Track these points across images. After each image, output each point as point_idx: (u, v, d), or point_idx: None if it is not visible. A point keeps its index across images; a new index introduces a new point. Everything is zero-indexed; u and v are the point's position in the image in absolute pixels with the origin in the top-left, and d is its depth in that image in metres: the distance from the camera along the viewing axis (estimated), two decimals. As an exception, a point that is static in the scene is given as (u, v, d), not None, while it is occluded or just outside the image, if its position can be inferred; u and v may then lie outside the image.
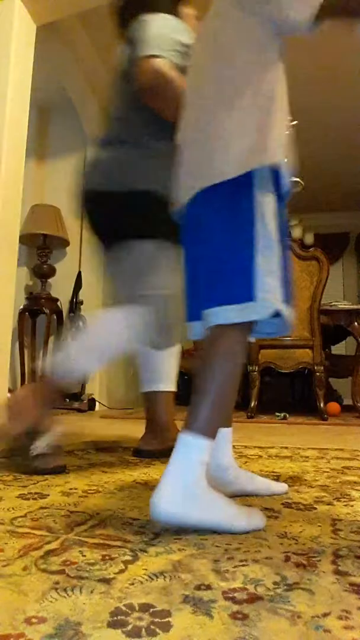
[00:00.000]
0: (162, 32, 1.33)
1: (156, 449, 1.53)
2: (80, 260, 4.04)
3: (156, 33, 1.32)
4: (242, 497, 1.02)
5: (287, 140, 0.96)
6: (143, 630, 0.47)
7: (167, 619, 0.49)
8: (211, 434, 0.84)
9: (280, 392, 4.91)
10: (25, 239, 3.72)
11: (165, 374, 1.59)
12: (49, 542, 0.71)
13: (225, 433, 1.05)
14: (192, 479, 0.80)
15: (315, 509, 0.95)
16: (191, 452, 0.82)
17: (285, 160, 0.94)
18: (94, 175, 1.42)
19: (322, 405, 3.17)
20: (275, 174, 0.94)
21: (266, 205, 0.92)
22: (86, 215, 1.50)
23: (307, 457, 1.60)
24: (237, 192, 0.92)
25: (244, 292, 0.89)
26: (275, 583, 0.59)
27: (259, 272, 0.89)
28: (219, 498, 0.83)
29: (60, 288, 3.96)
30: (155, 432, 1.58)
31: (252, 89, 0.93)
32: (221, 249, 0.94)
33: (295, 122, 1.00)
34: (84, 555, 0.66)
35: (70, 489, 1.07)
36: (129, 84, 1.37)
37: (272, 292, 0.90)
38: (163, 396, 1.60)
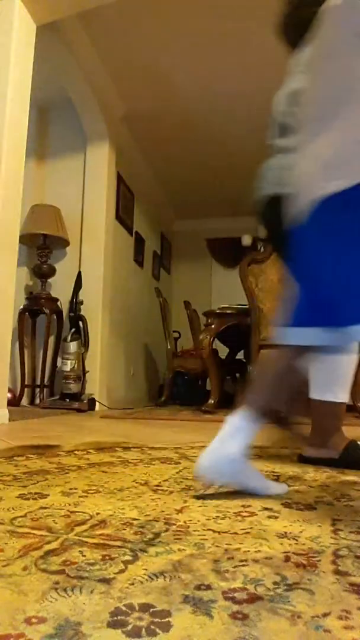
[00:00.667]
0: None
1: (321, 457, 1.49)
2: (80, 260, 4.04)
3: None
4: (240, 494, 1.01)
5: None
6: (143, 630, 0.47)
7: (167, 619, 0.49)
8: None
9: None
10: (25, 239, 3.71)
11: (336, 383, 1.57)
12: (49, 542, 0.71)
13: (253, 426, 1.04)
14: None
15: (315, 509, 0.95)
16: None
17: None
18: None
19: (322, 405, 3.15)
20: None
21: None
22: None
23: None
24: (349, 205, 0.94)
25: None
26: (275, 583, 0.59)
27: None
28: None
29: (60, 288, 3.96)
30: (322, 438, 1.54)
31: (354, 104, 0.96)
32: (349, 263, 0.95)
33: None
34: (84, 555, 0.66)
35: (70, 489, 1.07)
36: None
37: None
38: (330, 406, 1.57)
